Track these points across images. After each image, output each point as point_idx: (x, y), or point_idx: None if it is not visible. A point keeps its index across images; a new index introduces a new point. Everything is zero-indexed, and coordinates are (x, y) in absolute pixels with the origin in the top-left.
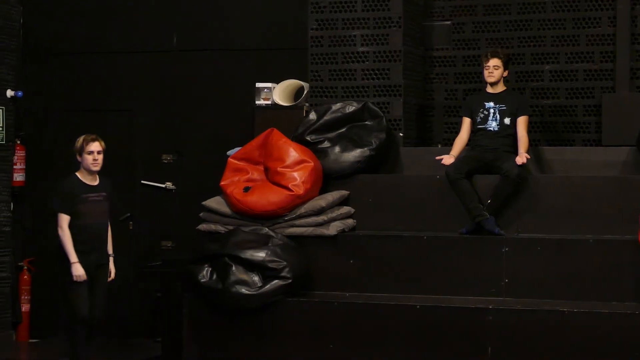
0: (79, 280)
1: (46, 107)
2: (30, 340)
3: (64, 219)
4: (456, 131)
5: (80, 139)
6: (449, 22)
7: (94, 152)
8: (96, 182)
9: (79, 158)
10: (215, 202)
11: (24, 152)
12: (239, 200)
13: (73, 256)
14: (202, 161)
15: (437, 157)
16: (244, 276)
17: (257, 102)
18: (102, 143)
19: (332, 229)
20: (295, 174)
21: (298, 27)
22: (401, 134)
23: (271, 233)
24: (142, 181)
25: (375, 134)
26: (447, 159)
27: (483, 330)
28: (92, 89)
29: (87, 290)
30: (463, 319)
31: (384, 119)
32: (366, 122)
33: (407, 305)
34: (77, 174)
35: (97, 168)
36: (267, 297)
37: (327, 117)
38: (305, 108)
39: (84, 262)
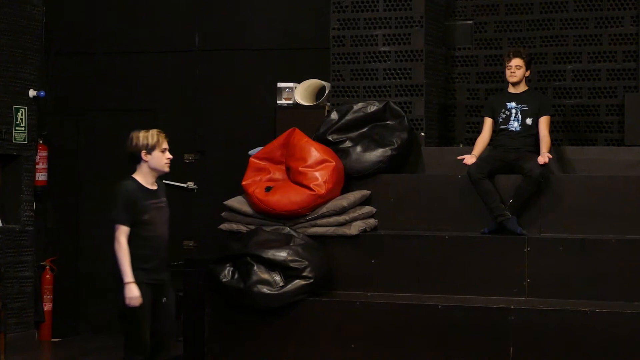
0: (133, 303)
1: (68, 107)
2: (53, 340)
3: (124, 232)
4: (478, 131)
5: (153, 133)
6: (471, 22)
7: (166, 149)
8: (156, 187)
9: (145, 156)
10: (237, 202)
11: (46, 151)
12: (260, 200)
13: (129, 275)
14: (224, 161)
15: (459, 157)
16: (265, 276)
17: (278, 102)
18: None
19: (354, 229)
20: (317, 174)
21: (320, 27)
22: (423, 134)
23: (293, 233)
24: (164, 181)
25: (397, 133)
26: (469, 159)
27: (505, 331)
28: (114, 89)
29: (150, 314)
30: (485, 319)
31: (405, 118)
32: (388, 122)
33: (428, 305)
34: (136, 176)
35: (169, 169)
36: (289, 296)
37: (348, 117)
38: (326, 108)
39: (148, 280)
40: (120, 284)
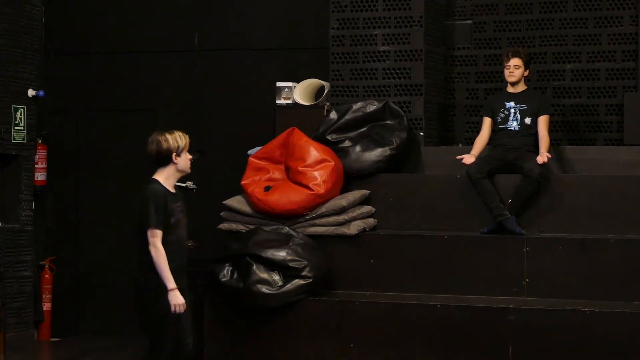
0: (179, 310)
1: (68, 107)
2: (52, 339)
3: (160, 237)
4: (477, 130)
5: (181, 134)
6: (470, 21)
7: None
8: (174, 190)
9: (176, 158)
10: (236, 202)
11: (45, 151)
12: (260, 200)
13: (172, 281)
14: (223, 160)
15: (458, 157)
16: (264, 275)
17: (278, 102)
18: None
19: (353, 229)
20: (316, 173)
21: (319, 27)
22: (422, 134)
23: (292, 232)
24: None
25: (396, 133)
26: (468, 159)
27: (504, 330)
28: (113, 89)
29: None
30: (484, 318)
31: (405, 118)
32: (387, 122)
33: (428, 304)
34: (159, 179)
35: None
36: (288, 296)
37: (348, 117)
38: (326, 107)
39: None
40: (151, 291)
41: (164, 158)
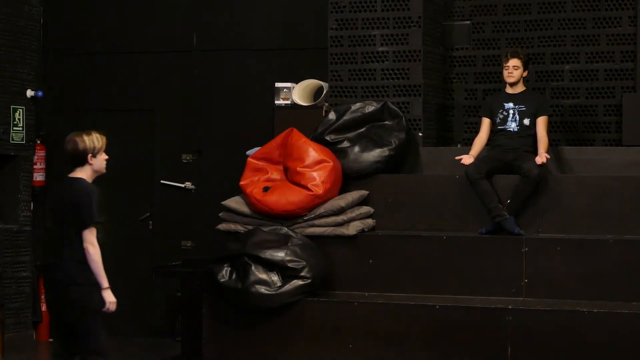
0: (112, 308)
1: (66, 107)
2: (50, 340)
3: (95, 234)
4: (476, 131)
5: (98, 136)
6: (468, 22)
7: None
8: None
9: (91, 159)
10: (234, 202)
11: (44, 151)
12: (258, 200)
13: (106, 280)
14: (222, 161)
15: (457, 157)
16: (263, 276)
17: (276, 102)
18: None
19: (352, 229)
20: (315, 174)
21: (318, 27)
22: (421, 134)
23: (291, 233)
24: (162, 181)
25: (394, 133)
26: (467, 159)
27: (503, 331)
28: (112, 89)
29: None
30: (483, 319)
31: (403, 118)
32: (386, 122)
33: (426, 305)
34: (84, 177)
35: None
36: (287, 296)
37: (346, 117)
38: (324, 108)
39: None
40: (87, 287)
41: (80, 158)
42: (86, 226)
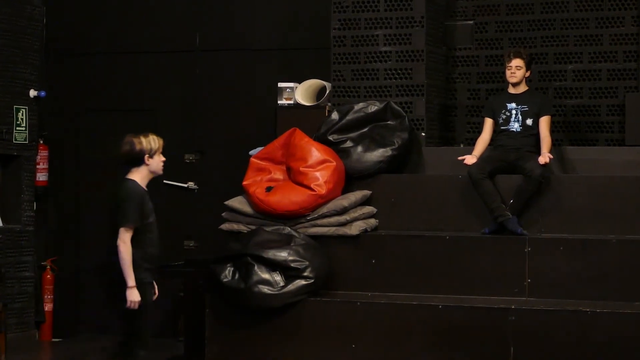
0: (134, 307)
1: (69, 107)
2: (53, 340)
3: (130, 234)
4: (479, 131)
5: (155, 137)
6: (471, 22)
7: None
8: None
9: (148, 160)
10: (237, 202)
11: (47, 151)
12: (261, 200)
13: (133, 278)
14: (225, 161)
15: (460, 157)
16: (266, 276)
17: (279, 102)
18: None
19: (355, 229)
20: (318, 174)
21: (321, 27)
22: (423, 134)
23: (293, 233)
24: (165, 181)
25: (397, 133)
26: (470, 159)
27: (506, 331)
28: (114, 89)
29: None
30: (485, 319)
31: (406, 118)
32: (388, 122)
33: (429, 305)
34: (135, 179)
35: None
36: (289, 297)
37: (349, 117)
38: (327, 108)
39: (150, 279)
40: (124, 285)
41: (136, 159)
42: (121, 224)
